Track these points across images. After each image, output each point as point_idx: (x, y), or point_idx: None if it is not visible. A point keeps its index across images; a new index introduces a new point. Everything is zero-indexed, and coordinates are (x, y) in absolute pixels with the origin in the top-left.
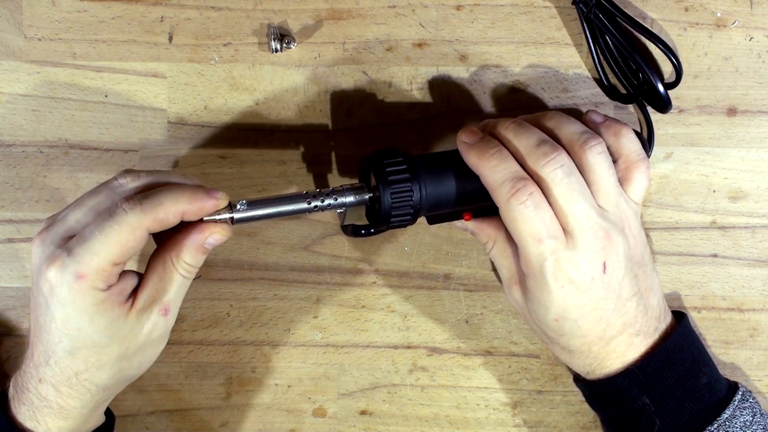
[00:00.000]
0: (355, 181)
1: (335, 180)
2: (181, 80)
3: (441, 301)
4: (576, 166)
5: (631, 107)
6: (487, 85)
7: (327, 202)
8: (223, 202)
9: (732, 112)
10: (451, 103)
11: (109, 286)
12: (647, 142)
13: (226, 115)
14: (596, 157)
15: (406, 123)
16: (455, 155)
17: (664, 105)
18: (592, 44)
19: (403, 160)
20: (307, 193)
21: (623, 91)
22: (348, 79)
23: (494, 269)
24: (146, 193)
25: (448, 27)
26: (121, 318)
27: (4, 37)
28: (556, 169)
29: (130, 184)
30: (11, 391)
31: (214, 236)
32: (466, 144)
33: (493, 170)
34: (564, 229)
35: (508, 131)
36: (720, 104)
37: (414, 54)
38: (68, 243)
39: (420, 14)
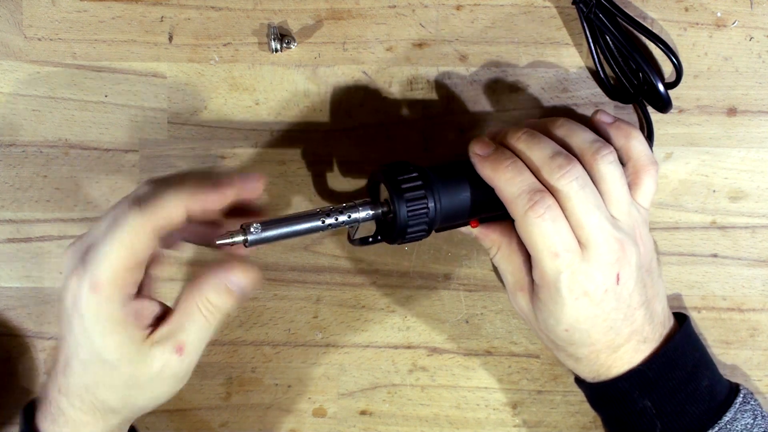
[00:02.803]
0: (356, 181)
1: (335, 180)
2: (181, 80)
3: (441, 301)
4: (587, 174)
5: (631, 107)
6: (487, 85)
7: (341, 219)
8: (231, 195)
9: (732, 112)
10: (451, 103)
11: (127, 302)
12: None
13: (226, 114)
14: (608, 166)
15: (406, 123)
16: (467, 166)
17: (664, 105)
18: (592, 44)
19: (417, 175)
20: (320, 210)
21: (623, 91)
22: (348, 79)
23: (495, 270)
24: (151, 192)
25: (448, 27)
26: (135, 342)
27: (4, 37)
28: (571, 182)
29: (144, 191)
30: (38, 402)
31: (235, 274)
32: (480, 156)
33: (509, 183)
34: (579, 241)
35: (520, 142)
36: (720, 104)
37: (414, 54)
38: (85, 254)
39: (420, 14)
